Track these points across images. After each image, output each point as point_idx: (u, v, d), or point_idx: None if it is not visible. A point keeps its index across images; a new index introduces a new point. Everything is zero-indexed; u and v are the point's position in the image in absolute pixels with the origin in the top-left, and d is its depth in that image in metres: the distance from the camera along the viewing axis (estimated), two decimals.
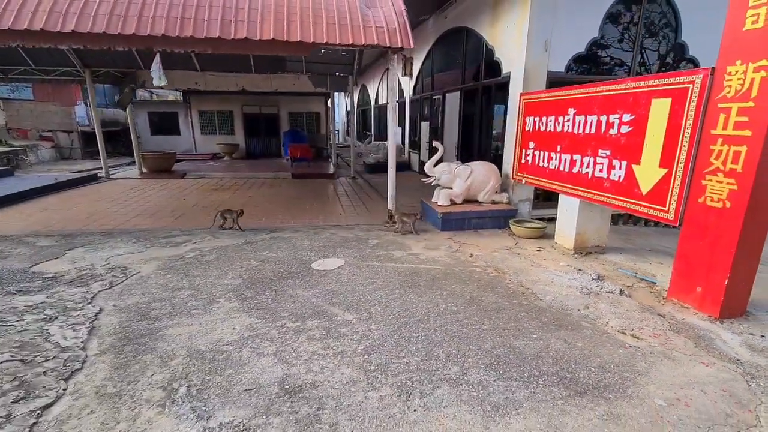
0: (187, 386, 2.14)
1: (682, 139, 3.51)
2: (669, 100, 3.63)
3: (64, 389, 2.06)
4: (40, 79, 10.25)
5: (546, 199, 6.59)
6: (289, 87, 11.69)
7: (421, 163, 12.01)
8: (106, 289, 3.52)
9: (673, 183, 3.63)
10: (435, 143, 6.58)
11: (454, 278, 4.02)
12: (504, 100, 7.00)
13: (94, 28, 4.90)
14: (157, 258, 4.46)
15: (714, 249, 3.28)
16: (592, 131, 4.63)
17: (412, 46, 5.71)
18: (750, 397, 2.20)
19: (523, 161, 6.09)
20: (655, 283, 4.07)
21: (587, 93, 4.70)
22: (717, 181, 3.24)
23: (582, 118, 4.80)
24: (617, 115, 4.24)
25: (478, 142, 7.97)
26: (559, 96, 5.21)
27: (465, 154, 8.52)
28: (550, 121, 5.39)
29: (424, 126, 11.42)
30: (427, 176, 6.64)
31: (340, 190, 9.83)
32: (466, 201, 6.48)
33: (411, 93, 12.54)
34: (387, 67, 6.52)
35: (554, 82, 6.07)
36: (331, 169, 12.39)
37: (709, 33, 6.24)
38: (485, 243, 5.42)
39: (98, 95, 17.14)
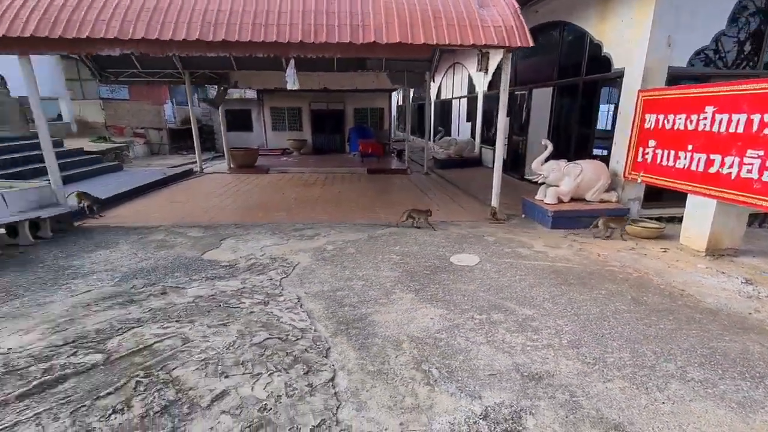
0: (437, 368, 2.38)
1: None
2: None
3: (332, 366, 2.37)
4: (145, 81, 11.14)
5: (654, 198, 6.43)
6: (369, 84, 11.98)
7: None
8: (284, 277, 3.89)
9: None
10: (543, 141, 6.58)
11: (600, 277, 4.08)
12: (611, 97, 6.85)
13: (241, 37, 5.33)
14: (303, 250, 4.83)
15: None
16: (739, 130, 4.49)
17: (531, 44, 5.73)
18: None
19: (639, 159, 5.97)
20: None
21: (734, 90, 4.55)
22: None
23: (724, 116, 4.65)
24: None
25: (576, 140, 7.84)
26: (692, 93, 5.06)
27: (557, 152, 8.41)
28: (680, 119, 5.25)
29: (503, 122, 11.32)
30: (534, 174, 6.65)
31: (420, 185, 10.01)
32: (573, 199, 6.45)
33: (485, 88, 12.46)
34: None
35: (675, 77, 5.89)
36: (405, 165, 12.60)
37: None
38: (604, 243, 5.40)
39: (180, 94, 18.36)
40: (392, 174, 11.96)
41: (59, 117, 13.49)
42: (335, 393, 2.13)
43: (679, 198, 5.66)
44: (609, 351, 2.65)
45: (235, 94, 18.23)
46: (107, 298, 3.30)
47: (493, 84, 12.01)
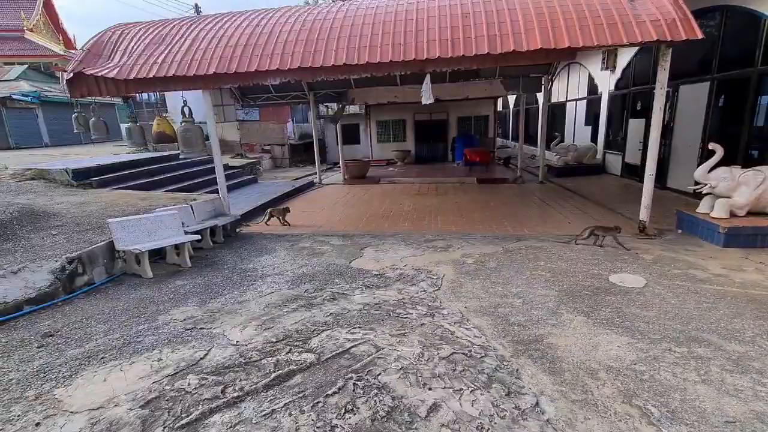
0: (653, 406, 2.16)
1: None
2: None
3: (531, 389, 2.29)
4: (275, 103, 12.51)
5: None
6: (480, 93, 11.81)
7: (625, 166, 10.79)
8: (436, 289, 3.95)
9: None
10: (712, 145, 5.69)
11: None
12: None
13: (382, 58, 5.64)
14: (442, 261, 4.86)
15: None
16: None
17: (700, 35, 5.03)
18: None
19: None
20: None
21: None
22: None
23: None
24: None
25: (746, 143, 6.66)
26: None
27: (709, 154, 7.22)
28: None
29: (635, 124, 10.18)
30: (698, 183, 5.80)
31: (540, 196, 9.46)
32: (750, 213, 5.45)
33: (612, 87, 11.34)
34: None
35: None
36: (517, 173, 12.05)
37: None
38: None
39: (298, 113, 20.30)
40: (503, 183, 11.54)
41: (207, 138, 15.97)
42: (547, 420, 2.05)
43: None
44: None
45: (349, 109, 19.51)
46: (290, 300, 3.71)
47: (622, 82, 10.88)
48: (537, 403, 2.19)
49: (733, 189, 5.49)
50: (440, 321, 3.23)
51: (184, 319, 3.29)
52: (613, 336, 2.97)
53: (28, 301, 3.40)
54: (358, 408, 2.14)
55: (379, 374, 2.45)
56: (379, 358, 2.63)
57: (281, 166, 16.65)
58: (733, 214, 5.46)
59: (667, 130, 8.97)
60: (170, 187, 8.66)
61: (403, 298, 3.74)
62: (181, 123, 7.30)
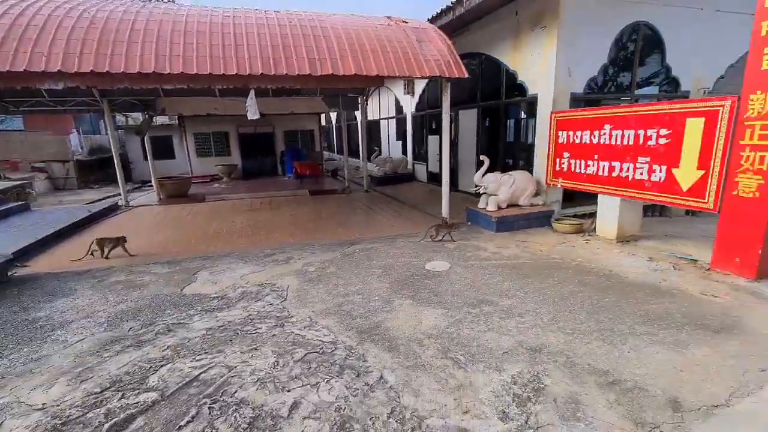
0: (461, 355, 2.84)
1: (716, 148, 4.71)
2: (703, 119, 4.83)
3: (376, 367, 2.69)
4: (50, 111, 10.04)
5: (569, 199, 7.76)
6: (303, 108, 12.25)
7: (429, 174, 13.03)
8: (282, 301, 4.05)
9: (710, 181, 4.81)
10: (482, 157, 7.54)
11: (550, 268, 4.94)
12: (528, 117, 8.15)
13: (200, 69, 5.36)
14: (285, 273, 4.98)
15: (749, 228, 4.46)
16: (630, 143, 5.80)
17: (466, 75, 6.65)
18: None
19: (557, 168, 7.20)
20: (696, 260, 5.23)
21: (623, 112, 5.88)
22: (747, 178, 4.43)
23: (619, 132, 5.96)
24: (654, 130, 5.42)
25: (502, 153, 9.04)
26: (594, 114, 6.36)
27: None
28: (585, 134, 6.53)
29: (433, 140, 12.41)
30: (476, 186, 7.57)
31: (366, 203, 10.52)
32: (509, 205, 7.48)
33: (413, 109, 13.53)
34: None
35: (576, 100, 7.28)
36: (345, 184, 13.00)
37: (689, 57, 7.81)
38: (541, 240, 6.41)
39: (86, 123, 16.54)
40: (334, 194, 12.27)
41: None
42: (391, 386, 2.47)
43: (588, 197, 6.99)
44: (578, 322, 3.38)
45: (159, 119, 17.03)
46: (110, 342, 3.17)
47: (420, 105, 13.13)
48: (381, 377, 2.60)
49: (498, 189, 7.41)
50: (290, 329, 3.36)
51: None
52: (431, 310, 3.71)
53: None
54: (218, 428, 2.09)
55: (236, 392, 2.43)
56: (233, 376, 2.59)
57: (66, 187, 13.36)
58: (500, 207, 7.37)
59: (454, 145, 11.31)
60: None
61: (249, 315, 3.69)
62: None
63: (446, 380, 2.55)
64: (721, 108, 4.65)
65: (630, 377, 2.58)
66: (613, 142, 6.07)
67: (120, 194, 10.74)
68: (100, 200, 11.18)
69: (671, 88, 8.01)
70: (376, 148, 15.04)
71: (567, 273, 4.75)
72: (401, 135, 15.05)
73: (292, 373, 2.63)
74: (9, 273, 5.19)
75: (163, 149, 15.83)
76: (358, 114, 17.57)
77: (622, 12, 7.16)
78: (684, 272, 4.76)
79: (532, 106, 7.80)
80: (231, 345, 3.07)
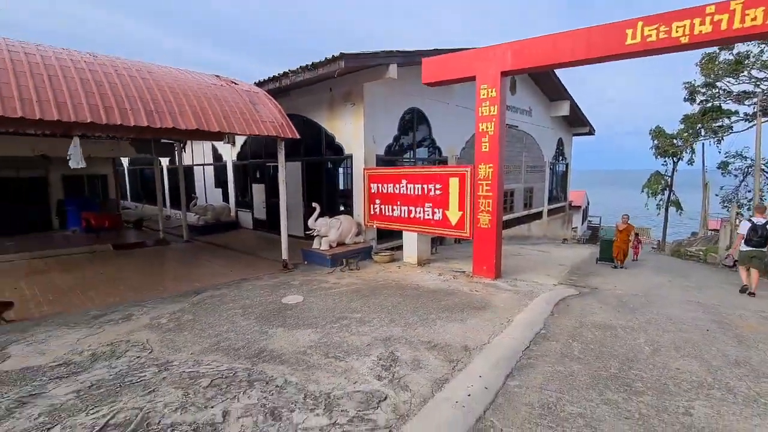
0: (333, 355, 3.79)
1: (467, 196, 7.39)
2: (458, 178, 7.50)
3: (281, 374, 3.36)
4: None
5: (382, 236, 9.86)
6: (105, 153, 10.85)
7: (255, 221, 13.41)
8: (150, 352, 4.07)
9: (467, 218, 7.45)
10: (314, 204, 8.78)
11: (379, 288, 6.47)
12: (346, 170, 10.01)
13: (7, 112, 4.74)
14: (133, 330, 4.78)
15: (487, 247, 7.17)
16: (419, 193, 8.18)
17: (298, 136, 7.92)
18: (517, 297, 5.79)
19: (372, 212, 9.16)
20: (464, 271, 7.79)
21: (414, 172, 8.28)
22: (484, 216, 7.18)
23: (412, 185, 8.31)
24: (432, 184, 7.92)
25: (326, 200, 10.57)
26: (394, 172, 8.62)
27: (311, 210, 10.89)
28: (390, 186, 8.71)
29: (258, 188, 13.01)
30: (310, 229, 8.71)
31: (193, 253, 10.15)
32: (338, 244, 8.93)
33: (235, 158, 13.84)
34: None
35: (380, 160, 9.56)
36: (161, 235, 11.92)
37: (444, 134, 11.38)
38: (367, 269, 8.03)
39: None
40: (146, 247, 11.11)
41: None
42: (296, 384, 3.20)
43: (394, 234, 9.17)
44: (407, 318, 4.86)
45: None
46: None
47: (242, 155, 13.58)
48: (286, 380, 3.28)
49: (328, 231, 8.76)
50: (179, 369, 3.56)
51: None
52: (302, 331, 4.52)
53: None
54: None
55: (160, 421, 2.66)
56: (148, 412, 2.75)
57: None
58: (331, 246, 8.70)
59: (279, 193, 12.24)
60: None
61: (120, 371, 3.61)
62: None
63: (334, 370, 3.46)
64: (467, 172, 7.37)
65: (441, 341, 4.13)
66: (408, 192, 8.36)
67: None
68: None
69: (436, 153, 11.41)
70: (194, 195, 14.36)
71: (391, 290, 6.35)
72: (221, 182, 14.93)
73: (207, 395, 2.99)
74: None
75: None
76: (166, 160, 16.28)
77: (402, 100, 9.99)
78: (459, 279, 7.09)
79: (348, 162, 9.67)
80: (121, 394, 3.09)
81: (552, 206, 19.30)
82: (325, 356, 3.80)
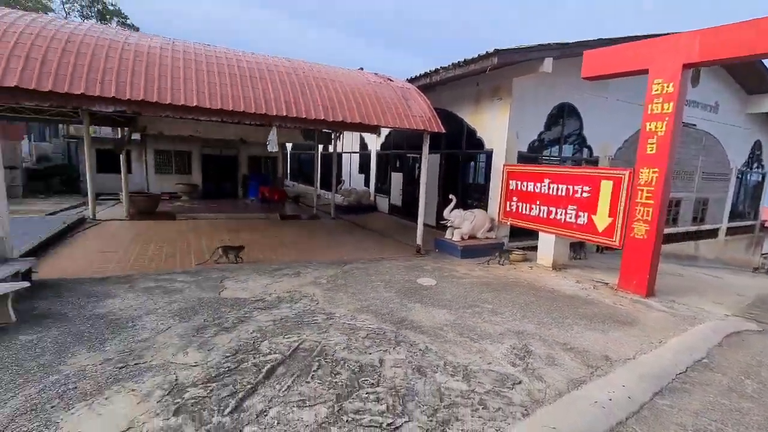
0: (467, 335, 4.12)
1: (621, 202, 6.75)
2: (612, 182, 6.90)
3: (423, 344, 3.86)
4: (33, 118, 9.85)
5: (514, 235, 9.66)
6: (282, 139, 13.15)
7: (391, 206, 14.50)
8: (317, 303, 5.03)
9: (617, 225, 6.82)
10: (451, 196, 9.17)
11: (510, 285, 6.50)
12: (484, 165, 10.06)
13: (235, 107, 6.29)
14: (303, 284, 5.89)
15: (640, 260, 6.46)
16: (562, 194, 7.78)
17: (443, 131, 8.32)
18: (674, 319, 5.14)
19: (507, 209, 9.06)
20: (607, 282, 7.18)
21: (559, 171, 7.90)
22: (639, 226, 6.47)
23: (555, 185, 7.94)
24: (580, 186, 7.44)
25: (460, 193, 10.83)
26: (537, 170, 8.35)
27: (446, 202, 11.29)
28: (530, 185, 8.47)
29: (396, 176, 14.01)
30: (445, 219, 9.12)
31: (339, 229, 11.60)
32: (469, 237, 9.13)
33: (378, 148, 15.12)
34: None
35: (521, 156, 9.33)
36: (314, 211, 13.93)
37: (597, 132, 10.38)
38: (497, 266, 8.06)
39: (33, 130, 15.49)
40: (303, 219, 13.12)
41: None
42: (435, 352, 3.66)
43: (527, 234, 8.91)
44: (541, 318, 4.87)
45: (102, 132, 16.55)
46: (199, 329, 3.91)
47: (385, 145, 14.76)
48: (426, 347, 3.77)
49: (461, 223, 9.04)
50: (340, 320, 4.38)
51: (102, 362, 3.10)
52: (438, 310, 4.96)
53: None
54: (339, 372, 3.09)
55: (333, 353, 3.43)
56: (324, 347, 3.57)
57: (10, 196, 12.47)
58: (462, 238, 8.97)
59: (417, 183, 12.98)
60: None
61: (298, 312, 4.62)
62: None
63: (469, 348, 3.80)
64: (623, 175, 6.74)
65: (578, 346, 4.06)
66: (551, 192, 8.03)
67: (71, 207, 10.57)
68: (59, 212, 10.82)
69: (585, 152, 10.51)
70: (342, 179, 16.25)
71: (522, 288, 6.33)
72: (364, 169, 16.50)
73: (365, 344, 3.68)
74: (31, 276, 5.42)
75: (116, 162, 15.42)
76: (321, 147, 18.78)
77: (553, 94, 9.49)
78: (600, 290, 6.61)
79: (488, 157, 9.71)
80: (303, 330, 4.01)
81: (734, 224, 15.75)
82: (459, 335, 4.15)
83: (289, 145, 25.16)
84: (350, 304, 5.04)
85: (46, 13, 24.66)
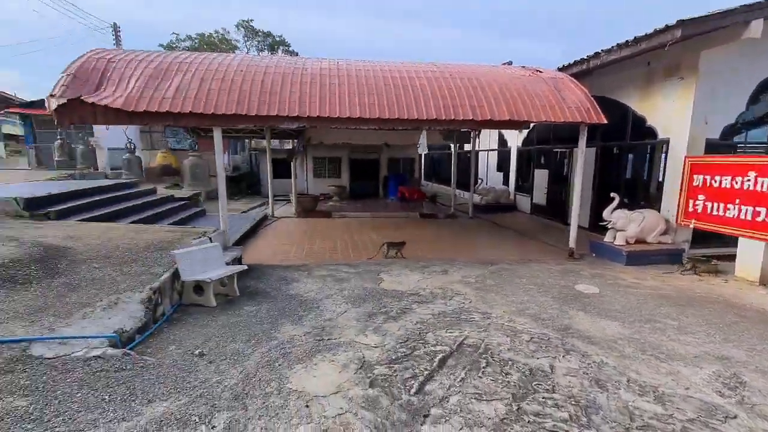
0: (651, 353, 3.62)
1: None
2: None
3: (589, 349, 3.58)
4: (232, 136, 12.48)
5: (699, 241, 7.98)
6: (417, 140, 13.70)
7: (533, 206, 13.61)
8: (470, 302, 5.08)
9: None
10: (612, 194, 8.16)
11: (698, 300, 5.43)
12: (654, 158, 8.61)
13: (391, 114, 6.82)
14: (453, 281, 6.01)
15: None
16: None
17: (605, 121, 7.43)
18: None
19: (690, 209, 7.56)
20: None
21: None
22: None
23: (765, 179, 6.30)
24: None
25: (623, 191, 9.49)
26: (737, 161, 6.75)
27: (601, 201, 10.04)
28: (726, 180, 6.90)
29: (540, 173, 13.09)
30: (605, 220, 8.15)
31: (479, 229, 11.42)
32: (636, 241, 7.93)
33: (520, 144, 14.35)
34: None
35: (710, 145, 7.66)
36: (451, 210, 14.07)
37: None
38: (677, 276, 6.80)
39: (230, 145, 19.76)
40: (440, 218, 13.35)
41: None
42: (614, 367, 3.34)
43: (721, 239, 7.26)
44: (752, 344, 3.96)
45: (284, 144, 19.71)
46: (371, 315, 4.42)
47: (528, 141, 13.92)
48: (602, 360, 3.47)
49: (626, 224, 7.93)
50: (498, 321, 4.37)
51: (304, 334, 3.80)
52: (607, 321, 4.49)
53: (139, 330, 3.49)
54: (509, 372, 3.13)
55: (499, 353, 3.47)
56: (488, 346, 3.64)
57: (215, 197, 16.07)
58: (627, 242, 7.87)
59: (564, 180, 11.91)
60: (131, 219, 8.20)
61: (454, 309, 4.77)
62: (189, 158, 7.31)
63: (656, 368, 3.36)
64: None
65: None
66: (758, 189, 6.40)
67: (256, 206, 12.89)
68: (248, 210, 13.43)
69: None
70: (480, 178, 16.01)
71: (717, 306, 5.23)
72: (502, 166, 15.89)
73: (530, 348, 3.61)
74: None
75: (286, 169, 18.29)
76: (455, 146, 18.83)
77: (760, 66, 7.52)
78: None
79: (660, 148, 8.28)
80: (462, 326, 4.14)
81: None
82: (640, 352, 3.69)
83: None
84: (504, 305, 4.97)
85: (234, 51, 30.76)
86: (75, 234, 5.85)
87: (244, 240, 9.04)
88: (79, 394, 2.30)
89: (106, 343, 2.94)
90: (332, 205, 15.70)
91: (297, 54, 31.36)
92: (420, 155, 24.79)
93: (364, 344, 3.58)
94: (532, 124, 13.48)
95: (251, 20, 32.55)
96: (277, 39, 34.12)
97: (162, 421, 2.15)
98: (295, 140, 13.13)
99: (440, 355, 3.34)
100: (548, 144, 12.66)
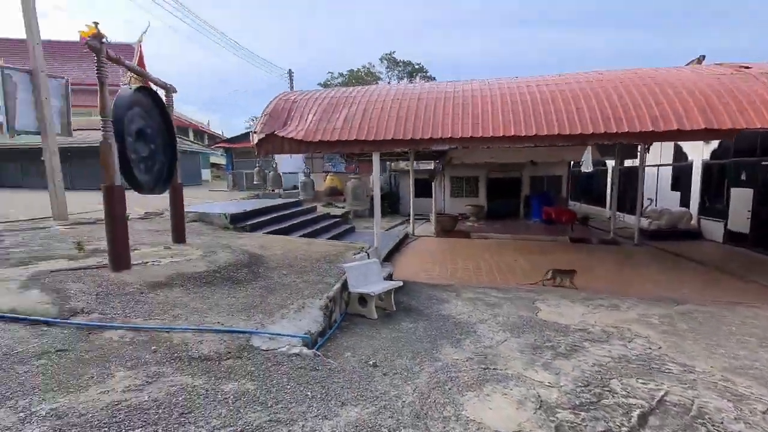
0: None
1: None
2: None
3: None
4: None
5: None
6: (570, 156, 12.47)
7: (728, 233, 10.86)
8: (658, 348, 4.22)
9: None
10: None
11: None
12: None
13: (549, 131, 6.36)
14: (627, 320, 5.12)
15: None
16: None
17: None
18: None
19: None
20: None
21: None
22: None
23: None
24: None
25: None
26: None
27: None
28: None
29: (739, 193, 10.43)
30: None
31: (648, 258, 9.65)
32: None
33: (707, 156, 11.76)
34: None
35: None
36: (611, 235, 12.29)
37: None
38: None
39: None
40: (595, 244, 11.75)
41: (295, 187, 17.38)
42: None
43: None
44: None
45: (420, 165, 20.57)
46: (535, 347, 4.08)
47: (720, 152, 11.29)
48: None
49: None
50: (707, 378, 3.50)
51: (467, 360, 3.71)
52: None
53: (320, 333, 3.93)
54: None
55: (722, 421, 2.76)
56: (701, 408, 2.94)
57: (362, 216, 17.52)
58: None
59: None
60: (299, 233, 9.44)
61: (638, 355, 4.03)
62: (351, 180, 8.19)
63: None
64: None
65: None
66: None
67: (397, 224, 13.46)
68: (390, 228, 14.19)
69: None
70: (650, 199, 13.69)
71: None
72: (679, 184, 13.25)
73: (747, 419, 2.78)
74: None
75: (425, 189, 18.82)
76: (611, 162, 16.49)
77: None
78: None
79: None
80: (656, 377, 3.45)
81: None
82: None
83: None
84: (710, 358, 3.98)
85: (377, 82, 33.63)
86: (264, 244, 7.05)
87: (390, 256, 9.54)
88: (289, 387, 2.65)
89: (301, 343, 3.37)
90: (470, 225, 15.45)
91: (434, 79, 32.49)
92: (569, 173, 22.71)
93: (537, 381, 3.28)
94: None
95: (393, 52, 35.30)
96: (416, 66, 36.04)
97: (357, 426, 2.31)
98: (436, 161, 13.43)
99: (637, 411, 2.81)
100: (753, 156, 10.05)
